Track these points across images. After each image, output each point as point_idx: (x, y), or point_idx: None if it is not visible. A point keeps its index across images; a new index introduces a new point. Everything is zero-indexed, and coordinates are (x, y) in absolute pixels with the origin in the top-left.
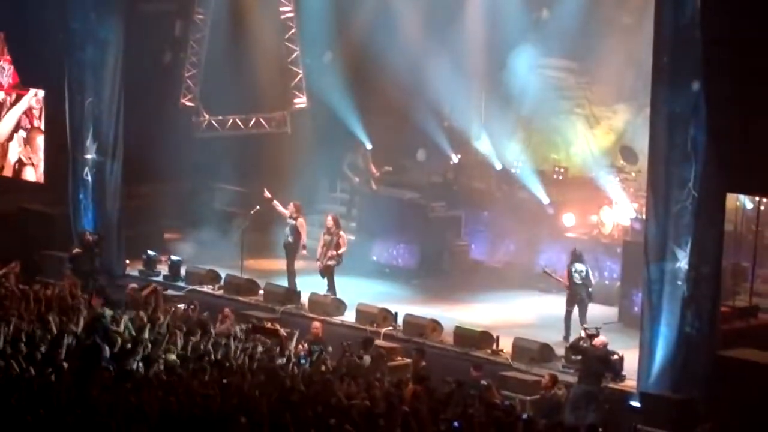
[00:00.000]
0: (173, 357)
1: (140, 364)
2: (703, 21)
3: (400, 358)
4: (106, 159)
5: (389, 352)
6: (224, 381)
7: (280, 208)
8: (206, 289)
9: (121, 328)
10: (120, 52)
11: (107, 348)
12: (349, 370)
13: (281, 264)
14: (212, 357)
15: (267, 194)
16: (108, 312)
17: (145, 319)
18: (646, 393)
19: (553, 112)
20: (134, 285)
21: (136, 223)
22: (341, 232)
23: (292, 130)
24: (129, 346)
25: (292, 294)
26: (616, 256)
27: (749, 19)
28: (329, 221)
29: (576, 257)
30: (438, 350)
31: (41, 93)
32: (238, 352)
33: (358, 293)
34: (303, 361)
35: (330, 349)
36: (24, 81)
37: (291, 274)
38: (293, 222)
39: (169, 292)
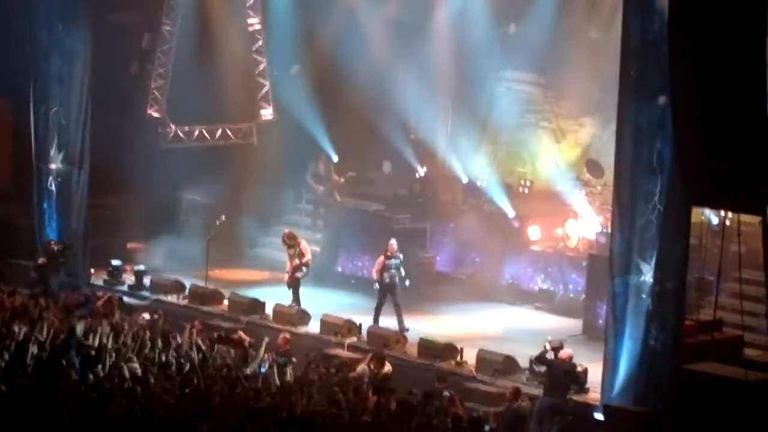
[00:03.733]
0: (136, 366)
1: (104, 373)
2: (669, 35)
3: (359, 368)
4: (72, 169)
5: (353, 363)
6: (187, 390)
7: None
8: (171, 298)
9: (96, 340)
10: (87, 63)
11: (76, 358)
12: (312, 381)
13: (246, 274)
14: (175, 366)
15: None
16: (80, 327)
17: (108, 329)
18: (609, 406)
19: (519, 125)
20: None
21: (101, 233)
22: (301, 242)
23: (259, 142)
24: (93, 354)
25: (257, 304)
26: (581, 269)
27: (716, 33)
28: (284, 238)
29: None
30: (402, 362)
31: None
32: (202, 361)
33: (323, 304)
34: (262, 370)
35: (294, 360)
36: None
37: (379, 308)
38: (398, 260)
39: (134, 301)
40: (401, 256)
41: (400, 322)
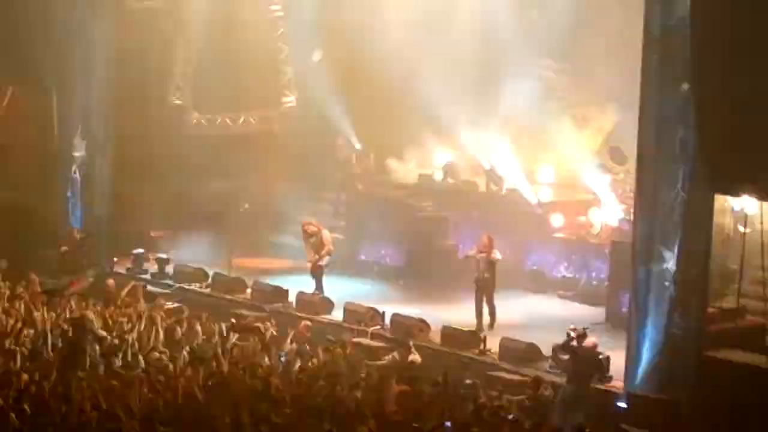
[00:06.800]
0: (158, 355)
1: (126, 362)
2: (692, 21)
3: (387, 357)
4: (95, 157)
5: (376, 351)
6: (209, 381)
7: (472, 253)
8: (194, 287)
9: (118, 329)
10: (110, 50)
11: (95, 346)
12: (333, 368)
13: (269, 263)
14: (197, 355)
15: (462, 248)
16: (90, 315)
17: (134, 318)
18: (632, 394)
19: (542, 112)
20: (112, 281)
21: (124, 221)
22: (322, 232)
23: (281, 129)
24: (115, 343)
25: (280, 292)
26: (604, 256)
27: (739, 20)
28: (307, 229)
29: None
30: (425, 350)
31: None
32: (224, 350)
33: (346, 292)
34: (282, 359)
35: (316, 348)
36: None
37: (479, 313)
38: (486, 255)
39: (157, 290)
40: (495, 253)
41: (490, 323)
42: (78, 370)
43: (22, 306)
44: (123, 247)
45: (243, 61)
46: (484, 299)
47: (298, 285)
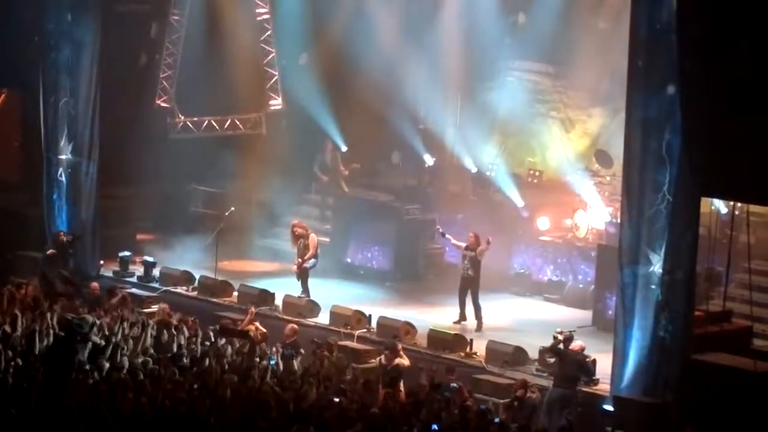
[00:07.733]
0: (145, 359)
1: (113, 366)
2: (678, 25)
3: (373, 360)
4: (81, 160)
5: (363, 354)
6: (195, 384)
7: (454, 242)
8: (180, 290)
9: (97, 331)
10: (96, 53)
11: (84, 350)
12: (319, 371)
13: (255, 265)
14: (184, 359)
15: (439, 228)
16: (89, 318)
17: (118, 322)
18: (619, 397)
19: (528, 115)
20: (96, 284)
21: (111, 224)
22: (310, 235)
23: (268, 132)
24: (102, 346)
25: (266, 295)
26: (590, 259)
27: (724, 24)
28: (295, 231)
29: None
30: (411, 353)
31: None
32: (210, 353)
33: (333, 295)
34: (272, 362)
35: (303, 351)
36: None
37: (462, 306)
38: (472, 253)
39: (143, 293)
40: (478, 251)
41: (476, 326)
42: (66, 373)
43: (10, 307)
44: (109, 250)
45: (229, 63)
46: (469, 295)
47: (285, 288)
